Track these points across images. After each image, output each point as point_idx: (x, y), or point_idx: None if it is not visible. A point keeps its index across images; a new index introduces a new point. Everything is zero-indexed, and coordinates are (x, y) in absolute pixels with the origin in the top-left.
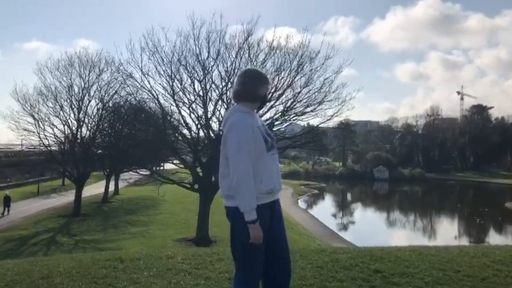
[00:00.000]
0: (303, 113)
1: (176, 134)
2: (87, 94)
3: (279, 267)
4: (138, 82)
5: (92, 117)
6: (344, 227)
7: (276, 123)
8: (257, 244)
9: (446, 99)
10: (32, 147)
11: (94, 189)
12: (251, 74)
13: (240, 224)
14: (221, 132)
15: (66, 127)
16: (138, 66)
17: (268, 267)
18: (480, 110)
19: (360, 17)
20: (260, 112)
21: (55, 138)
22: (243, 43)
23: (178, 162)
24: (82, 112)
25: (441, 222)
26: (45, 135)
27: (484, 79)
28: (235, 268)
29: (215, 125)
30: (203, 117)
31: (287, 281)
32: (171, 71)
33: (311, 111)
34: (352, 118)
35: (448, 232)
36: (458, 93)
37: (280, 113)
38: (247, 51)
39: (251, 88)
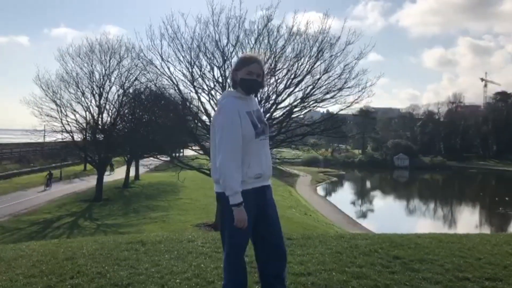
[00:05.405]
0: (323, 100)
1: (196, 121)
2: (108, 81)
3: (272, 255)
4: (158, 68)
5: (113, 103)
6: (363, 215)
7: (295, 110)
8: (242, 227)
9: (472, 86)
10: (55, 132)
11: (115, 174)
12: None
13: (227, 208)
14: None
15: (87, 113)
16: (158, 52)
17: (261, 255)
18: (504, 97)
19: (390, 1)
20: (279, 98)
21: (77, 124)
22: (263, 29)
23: (197, 148)
24: (103, 98)
25: (462, 211)
26: (67, 121)
27: None
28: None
29: None
30: None
31: (282, 269)
32: (191, 58)
33: (331, 97)
34: (374, 105)
35: (469, 221)
36: (482, 79)
37: (299, 100)
38: (267, 37)
39: (231, 75)
